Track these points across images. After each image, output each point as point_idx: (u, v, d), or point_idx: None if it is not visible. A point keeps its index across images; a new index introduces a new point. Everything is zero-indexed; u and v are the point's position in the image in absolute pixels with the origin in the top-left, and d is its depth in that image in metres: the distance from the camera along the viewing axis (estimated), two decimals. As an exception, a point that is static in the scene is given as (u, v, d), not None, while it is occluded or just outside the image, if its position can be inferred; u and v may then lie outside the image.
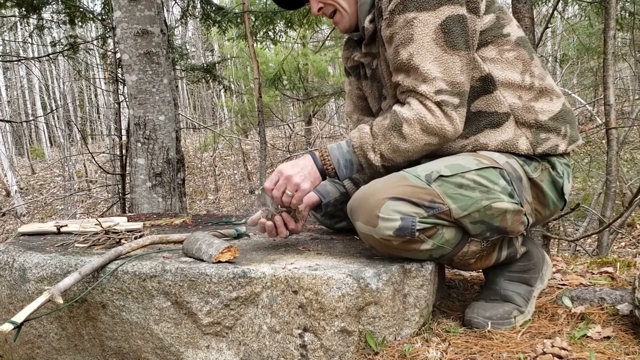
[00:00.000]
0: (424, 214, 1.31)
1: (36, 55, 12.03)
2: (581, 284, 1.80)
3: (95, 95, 17.68)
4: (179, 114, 4.74)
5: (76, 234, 1.74)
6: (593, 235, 4.61)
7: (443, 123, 1.37)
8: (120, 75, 5.16)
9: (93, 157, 6.77)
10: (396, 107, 1.42)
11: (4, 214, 10.11)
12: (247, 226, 1.43)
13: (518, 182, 1.41)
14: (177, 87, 6.39)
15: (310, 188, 1.45)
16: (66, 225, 1.83)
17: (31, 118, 14.53)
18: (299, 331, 1.29)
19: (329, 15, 1.57)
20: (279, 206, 1.51)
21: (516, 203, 1.37)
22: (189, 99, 19.76)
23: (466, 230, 1.38)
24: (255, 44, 5.34)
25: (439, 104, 1.36)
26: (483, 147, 1.45)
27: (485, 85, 1.44)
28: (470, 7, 1.40)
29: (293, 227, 1.55)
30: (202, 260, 1.38)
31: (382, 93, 1.61)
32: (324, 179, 1.47)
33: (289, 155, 9.68)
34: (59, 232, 1.80)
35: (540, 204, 1.48)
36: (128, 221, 2.02)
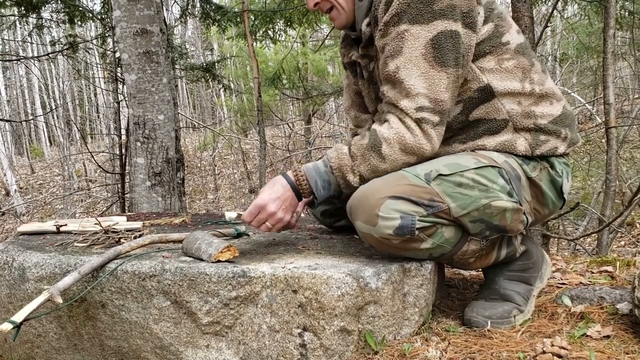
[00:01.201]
0: (424, 213, 1.31)
1: (35, 54, 12.02)
2: (581, 283, 1.80)
3: (95, 95, 17.67)
4: (179, 113, 4.74)
5: (75, 234, 1.74)
6: (593, 235, 4.61)
7: (421, 142, 1.37)
8: (119, 75, 5.16)
9: (92, 157, 6.76)
10: (375, 126, 1.41)
11: (3, 214, 10.11)
12: (243, 220, 1.43)
13: (517, 181, 1.41)
14: (176, 86, 6.39)
15: (291, 217, 1.46)
16: (65, 225, 1.82)
17: (31, 117, 14.52)
18: (299, 330, 1.29)
19: (326, 11, 1.57)
20: None
21: (515, 202, 1.37)
22: (188, 98, 19.75)
23: (466, 229, 1.38)
24: (254, 43, 5.34)
25: (418, 121, 1.36)
26: (481, 147, 1.45)
27: (484, 95, 1.43)
28: (466, 22, 1.38)
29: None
30: (202, 260, 1.38)
31: (379, 95, 1.60)
32: (300, 200, 1.47)
33: (288, 155, 9.68)
34: (58, 232, 1.80)
35: (539, 203, 1.48)
36: (127, 220, 2.01)
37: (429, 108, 1.36)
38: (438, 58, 1.35)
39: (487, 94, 1.43)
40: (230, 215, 1.95)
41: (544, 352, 1.23)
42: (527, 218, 1.43)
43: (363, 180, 1.41)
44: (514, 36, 1.46)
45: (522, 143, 1.43)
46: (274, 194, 1.42)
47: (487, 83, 1.42)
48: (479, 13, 1.40)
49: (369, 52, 1.56)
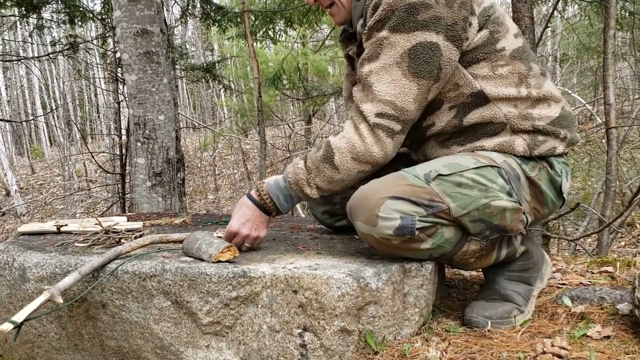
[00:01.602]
0: (424, 213, 1.31)
1: (36, 54, 12.03)
2: (581, 283, 1.80)
3: (95, 95, 17.67)
4: (179, 113, 4.74)
5: (76, 234, 1.74)
6: (593, 235, 4.61)
7: (372, 150, 1.38)
8: (120, 75, 5.16)
9: (93, 157, 6.76)
10: (330, 137, 1.45)
11: (3, 214, 10.11)
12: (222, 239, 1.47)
13: (516, 180, 1.41)
14: (176, 86, 6.39)
15: (266, 231, 1.53)
16: (66, 225, 1.83)
17: (31, 118, 14.52)
18: (299, 331, 1.29)
19: (326, 7, 1.58)
20: None
21: (515, 201, 1.37)
22: (188, 98, 19.75)
23: (466, 229, 1.38)
24: (255, 44, 5.34)
25: (373, 127, 1.37)
26: (480, 148, 1.45)
27: (477, 100, 1.43)
28: (449, 35, 1.36)
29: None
30: (202, 260, 1.38)
31: None
32: (268, 215, 1.51)
33: (288, 155, 9.67)
34: (58, 232, 1.80)
35: (539, 202, 1.48)
36: (128, 221, 2.01)
37: (391, 115, 1.37)
38: (412, 68, 1.36)
39: (481, 99, 1.43)
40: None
41: (544, 353, 1.23)
42: (526, 218, 1.43)
43: (321, 190, 1.44)
44: (510, 41, 1.45)
45: (520, 144, 1.43)
46: (243, 218, 1.49)
47: (480, 89, 1.42)
48: (470, 24, 1.39)
49: (364, 50, 1.56)
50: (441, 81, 1.40)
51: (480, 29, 1.41)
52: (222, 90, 13.40)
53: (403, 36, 1.35)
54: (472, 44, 1.41)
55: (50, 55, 6.25)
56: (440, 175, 1.34)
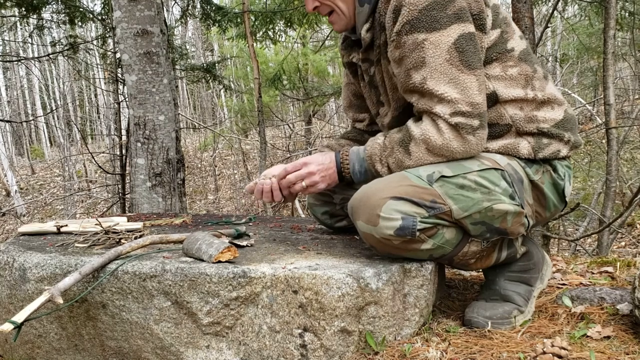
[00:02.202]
0: (425, 214, 1.31)
1: (36, 55, 12.03)
2: (581, 283, 1.80)
3: (95, 95, 17.66)
4: (179, 113, 4.74)
5: (76, 234, 1.74)
6: (593, 235, 4.62)
7: (451, 145, 1.34)
8: (120, 75, 5.16)
9: (93, 157, 6.77)
10: (409, 123, 1.41)
11: (4, 214, 10.11)
12: (245, 192, 1.47)
13: (519, 183, 1.41)
14: (177, 87, 6.39)
15: (325, 189, 1.51)
16: (66, 225, 1.82)
17: (31, 118, 14.53)
18: (299, 331, 1.29)
19: (325, 15, 1.56)
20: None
21: (517, 205, 1.37)
22: (188, 98, 19.75)
23: (466, 231, 1.38)
24: (255, 44, 5.34)
25: (455, 127, 1.33)
26: (484, 150, 1.45)
27: (488, 102, 1.42)
28: (477, 24, 1.37)
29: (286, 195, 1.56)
30: (202, 260, 1.38)
31: (380, 99, 1.59)
32: (341, 181, 1.51)
33: (288, 156, 9.67)
34: (59, 232, 1.80)
35: (541, 206, 1.48)
36: (128, 221, 2.01)
37: (466, 113, 1.32)
38: (465, 61, 1.32)
39: (492, 100, 1.42)
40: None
41: (544, 353, 1.23)
42: (528, 221, 1.43)
43: (390, 171, 1.43)
44: (517, 42, 1.46)
45: (525, 146, 1.43)
46: (321, 161, 1.49)
47: (493, 90, 1.42)
48: (487, 15, 1.40)
49: (369, 56, 1.55)
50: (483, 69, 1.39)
51: (493, 27, 1.42)
52: (222, 91, 13.41)
53: (442, 33, 1.32)
54: (488, 42, 1.41)
55: (50, 56, 6.25)
56: (443, 176, 1.34)
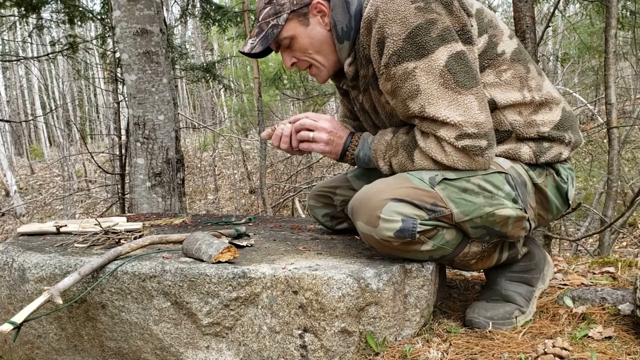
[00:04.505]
0: (426, 217, 1.30)
1: (35, 54, 12.03)
2: (582, 284, 1.79)
3: (95, 95, 17.67)
4: (179, 113, 4.73)
5: (75, 234, 1.74)
6: (594, 235, 4.61)
7: (457, 164, 1.32)
8: (119, 75, 5.16)
9: (92, 157, 6.76)
10: (417, 130, 1.38)
11: (3, 214, 10.11)
12: (260, 137, 1.48)
13: (522, 187, 1.40)
14: (176, 86, 6.38)
15: (322, 153, 1.54)
16: (65, 226, 1.82)
17: (30, 118, 14.54)
18: (299, 332, 1.29)
19: (304, 69, 1.54)
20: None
21: (520, 208, 1.36)
22: (188, 98, 19.76)
23: (466, 233, 1.37)
24: (255, 44, 5.32)
25: (463, 150, 1.31)
26: None
27: None
28: (464, 39, 1.34)
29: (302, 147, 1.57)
30: (202, 261, 1.37)
31: (375, 123, 1.58)
32: (340, 159, 1.53)
33: (288, 155, 9.67)
34: (58, 232, 1.80)
35: (544, 209, 1.47)
36: (127, 221, 2.01)
37: (472, 135, 1.29)
38: (460, 82, 1.29)
39: (490, 107, 1.40)
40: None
41: (545, 353, 1.22)
42: (530, 224, 1.42)
43: (392, 170, 1.43)
44: (507, 44, 1.44)
45: (526, 151, 1.42)
46: (338, 130, 1.52)
47: (490, 98, 1.40)
48: (472, 25, 1.38)
49: (357, 84, 1.53)
50: (481, 82, 1.36)
51: (479, 34, 1.39)
52: (222, 90, 13.40)
53: (431, 58, 1.29)
54: (477, 50, 1.38)
55: (50, 55, 6.24)
56: (446, 179, 1.33)
